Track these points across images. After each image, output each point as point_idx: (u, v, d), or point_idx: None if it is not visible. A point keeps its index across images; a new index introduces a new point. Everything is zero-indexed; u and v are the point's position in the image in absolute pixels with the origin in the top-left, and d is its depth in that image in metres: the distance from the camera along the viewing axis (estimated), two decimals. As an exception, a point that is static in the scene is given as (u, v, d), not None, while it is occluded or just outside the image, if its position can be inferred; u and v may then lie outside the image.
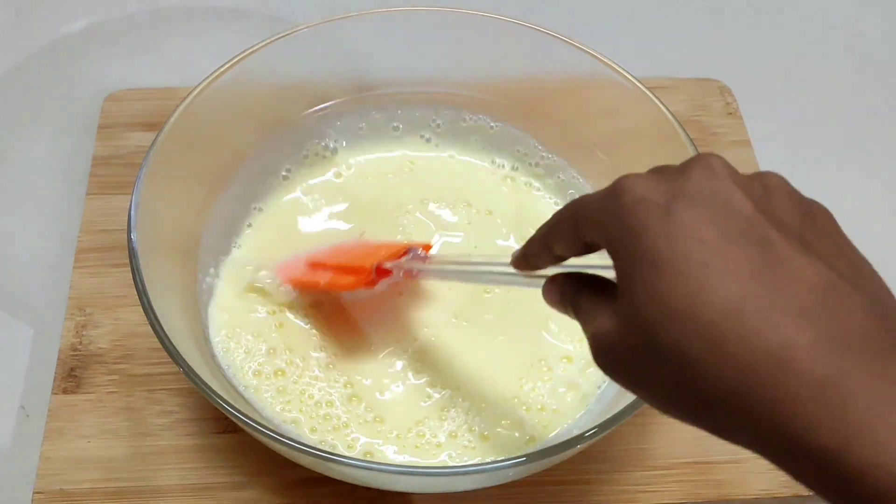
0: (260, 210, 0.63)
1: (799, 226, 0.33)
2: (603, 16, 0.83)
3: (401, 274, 0.55)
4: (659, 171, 0.34)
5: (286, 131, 0.64)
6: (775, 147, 0.73)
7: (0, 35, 0.78)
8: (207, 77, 0.58)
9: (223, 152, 0.61)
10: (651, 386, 0.33)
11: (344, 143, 0.66)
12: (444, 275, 0.55)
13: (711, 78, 0.75)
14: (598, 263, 0.38)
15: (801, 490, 0.55)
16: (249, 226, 0.62)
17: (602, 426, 0.47)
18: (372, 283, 0.55)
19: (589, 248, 0.36)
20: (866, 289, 0.32)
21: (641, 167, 0.61)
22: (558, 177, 0.65)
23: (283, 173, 0.64)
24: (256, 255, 0.61)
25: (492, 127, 0.66)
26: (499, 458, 0.48)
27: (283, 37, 0.60)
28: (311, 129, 0.65)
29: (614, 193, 0.34)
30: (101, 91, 0.71)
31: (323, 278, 0.58)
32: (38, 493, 0.54)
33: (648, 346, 0.32)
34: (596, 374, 0.57)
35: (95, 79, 0.72)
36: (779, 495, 0.56)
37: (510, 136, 0.66)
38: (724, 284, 0.30)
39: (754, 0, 0.85)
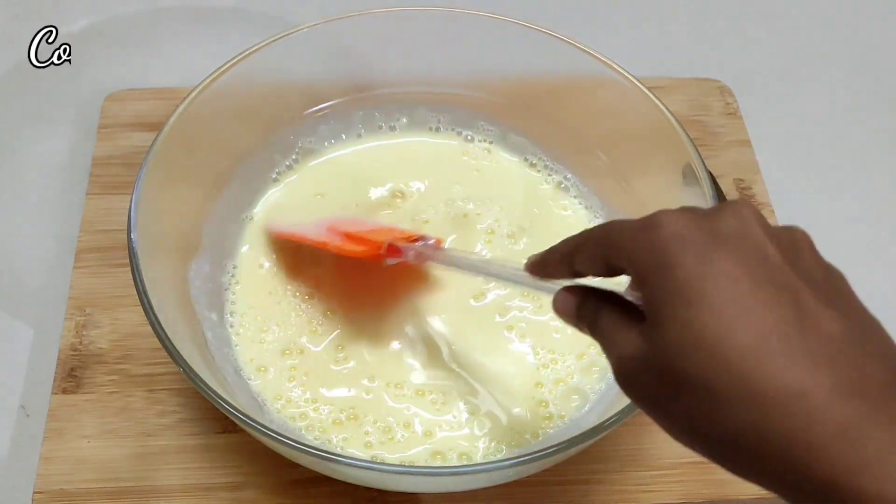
0: (260, 209, 0.63)
1: (821, 280, 0.35)
2: (603, 16, 0.83)
3: (410, 254, 0.54)
4: (692, 211, 0.36)
5: (286, 131, 0.64)
6: (775, 147, 0.73)
7: (0, 35, 0.78)
8: (207, 77, 0.58)
9: (223, 152, 0.61)
10: (672, 414, 0.34)
11: (343, 142, 0.66)
12: (453, 263, 0.54)
13: (711, 78, 0.75)
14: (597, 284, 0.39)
15: (802, 490, 0.55)
16: (251, 219, 0.62)
17: (602, 426, 0.47)
18: (380, 256, 0.54)
19: (610, 272, 0.37)
20: (877, 343, 0.34)
21: (641, 167, 0.61)
22: (565, 176, 0.65)
23: (283, 172, 0.64)
24: (258, 253, 0.61)
25: (490, 129, 0.66)
26: (499, 458, 0.48)
27: (283, 37, 0.60)
28: (311, 129, 0.65)
29: (651, 226, 0.35)
30: (101, 91, 0.71)
31: (334, 241, 0.58)
32: (38, 492, 0.54)
33: (675, 375, 0.33)
34: (596, 375, 0.57)
35: (95, 79, 0.72)
36: (779, 495, 0.56)
37: (510, 134, 0.66)
38: (754, 324, 0.32)
39: (754, 0, 0.85)
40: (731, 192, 0.68)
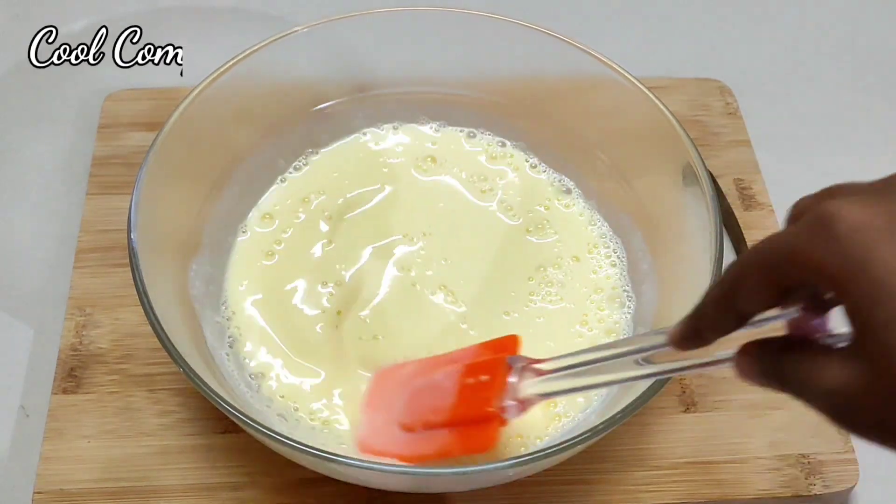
0: (260, 209, 0.63)
1: None
2: (603, 16, 0.83)
3: (516, 410, 0.46)
4: (861, 192, 0.32)
5: (286, 131, 0.64)
6: (775, 147, 0.73)
7: (0, 35, 0.78)
8: (207, 77, 0.58)
9: (223, 152, 0.61)
10: None
11: (343, 143, 0.66)
12: (576, 389, 0.47)
13: (711, 78, 0.75)
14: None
15: (802, 490, 0.56)
16: (246, 229, 0.62)
17: (602, 426, 0.47)
18: (502, 422, 0.46)
19: (785, 298, 0.33)
20: None
21: (641, 167, 0.61)
22: (565, 176, 0.65)
23: (283, 172, 0.64)
24: (258, 254, 0.61)
25: (490, 128, 0.66)
26: (499, 459, 0.48)
27: (283, 37, 0.60)
28: (311, 129, 0.65)
29: (823, 225, 0.30)
30: (101, 91, 0.71)
31: (428, 446, 0.49)
32: (38, 493, 0.54)
33: None
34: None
35: (95, 79, 0.72)
36: (779, 495, 0.56)
37: (510, 134, 0.66)
38: None
39: (755, 0, 0.85)
40: (730, 192, 0.68)
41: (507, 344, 0.49)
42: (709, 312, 0.35)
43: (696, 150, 0.56)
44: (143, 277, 0.50)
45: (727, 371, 0.59)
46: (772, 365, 0.34)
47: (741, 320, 0.34)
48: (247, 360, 0.56)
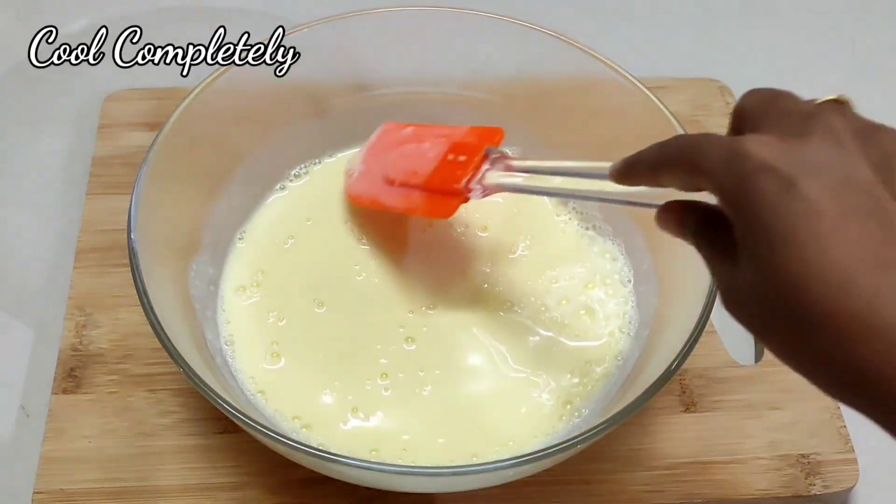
0: (260, 209, 0.63)
1: None
2: (603, 16, 0.83)
3: (480, 193, 0.53)
4: (781, 128, 0.35)
5: (286, 131, 0.64)
6: (775, 147, 0.73)
7: (0, 35, 0.78)
8: (207, 77, 0.58)
9: (223, 152, 0.61)
10: (770, 341, 0.35)
11: (343, 143, 0.66)
12: (531, 190, 0.53)
13: (711, 78, 0.75)
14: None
15: (801, 490, 0.56)
16: (246, 232, 0.62)
17: (602, 426, 0.47)
18: (464, 200, 0.53)
19: (697, 190, 0.37)
20: None
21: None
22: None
23: (284, 171, 0.64)
24: (258, 254, 0.61)
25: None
26: (499, 458, 0.48)
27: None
28: (311, 129, 0.65)
29: (737, 156, 0.34)
30: (101, 91, 0.71)
31: (400, 200, 0.56)
32: (38, 493, 0.54)
33: (771, 306, 0.33)
34: (597, 374, 0.57)
35: (95, 79, 0.72)
36: (779, 495, 0.56)
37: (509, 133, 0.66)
38: (840, 260, 0.31)
39: (755, 0, 0.85)
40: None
41: (493, 134, 0.55)
42: (639, 168, 0.40)
43: None
44: (143, 277, 0.50)
45: (727, 372, 0.59)
46: (692, 228, 0.39)
47: (658, 185, 0.39)
48: (246, 361, 0.56)
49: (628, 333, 0.58)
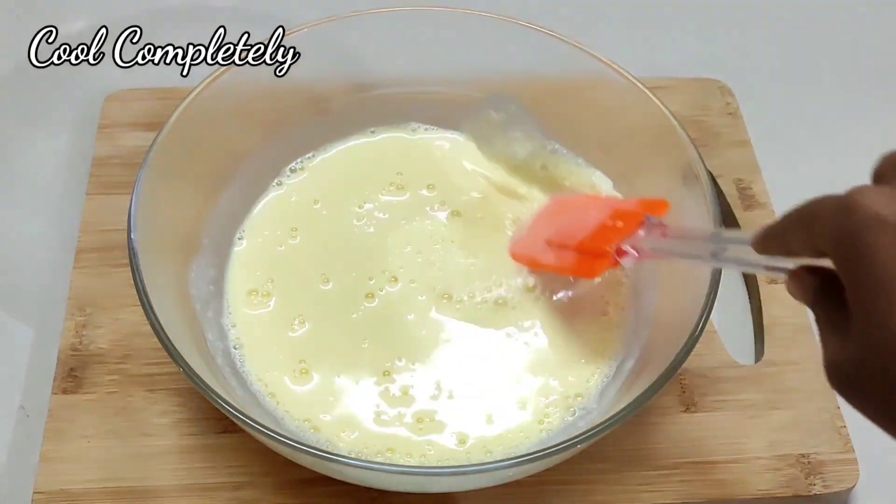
0: (260, 209, 0.63)
1: None
2: (603, 15, 0.83)
3: (633, 259, 0.53)
4: (893, 184, 0.33)
5: (286, 131, 0.64)
6: (775, 147, 0.73)
7: (0, 35, 0.78)
8: (207, 77, 0.58)
9: (223, 152, 0.61)
10: (886, 415, 0.32)
11: (344, 142, 0.66)
12: (682, 255, 0.52)
13: (712, 78, 0.75)
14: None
15: (802, 490, 0.56)
16: (245, 232, 0.62)
17: (602, 426, 0.47)
18: (613, 264, 0.53)
19: (822, 256, 0.34)
20: None
21: (641, 167, 0.61)
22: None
23: (284, 170, 0.64)
24: (258, 254, 0.61)
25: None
26: (498, 458, 0.48)
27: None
28: (311, 129, 0.65)
29: (847, 208, 0.32)
30: (101, 91, 0.71)
31: (553, 259, 0.57)
32: (38, 492, 0.54)
33: (884, 376, 0.31)
34: (595, 375, 0.57)
35: (95, 79, 0.72)
36: (779, 495, 0.56)
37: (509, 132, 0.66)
38: None
39: (755, 0, 0.85)
40: (730, 192, 0.68)
41: (658, 207, 0.55)
42: (771, 231, 0.38)
43: (696, 149, 0.56)
44: (143, 278, 0.50)
45: (727, 372, 0.59)
46: (811, 297, 0.37)
47: (790, 253, 0.37)
48: (248, 362, 0.56)
49: (626, 333, 0.58)
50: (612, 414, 0.48)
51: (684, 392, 0.59)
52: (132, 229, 0.51)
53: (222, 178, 0.61)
